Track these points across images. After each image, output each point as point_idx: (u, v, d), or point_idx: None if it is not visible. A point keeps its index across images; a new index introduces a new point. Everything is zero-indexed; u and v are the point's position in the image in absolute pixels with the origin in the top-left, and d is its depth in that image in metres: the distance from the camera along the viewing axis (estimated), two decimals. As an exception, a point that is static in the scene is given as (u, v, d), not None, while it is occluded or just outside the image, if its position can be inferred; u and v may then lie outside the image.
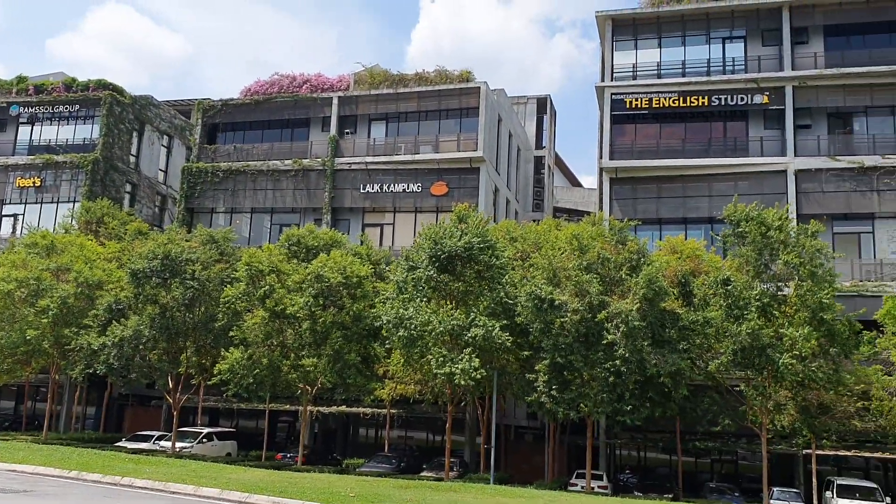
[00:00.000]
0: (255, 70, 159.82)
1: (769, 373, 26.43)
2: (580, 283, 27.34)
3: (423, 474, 33.63)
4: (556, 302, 27.29)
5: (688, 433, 35.83)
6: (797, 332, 25.72)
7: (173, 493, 20.16)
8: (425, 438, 43.47)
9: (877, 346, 31.49)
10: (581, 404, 27.56)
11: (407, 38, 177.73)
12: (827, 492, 32.34)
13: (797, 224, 39.26)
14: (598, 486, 33.29)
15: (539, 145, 58.02)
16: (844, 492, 31.34)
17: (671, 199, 42.06)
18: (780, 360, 25.34)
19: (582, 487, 32.33)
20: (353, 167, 47.02)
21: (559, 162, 70.48)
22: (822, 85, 40.82)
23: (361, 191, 46.62)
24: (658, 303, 26.89)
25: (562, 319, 27.25)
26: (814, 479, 31.86)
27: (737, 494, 33.19)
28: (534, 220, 48.68)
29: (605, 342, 26.66)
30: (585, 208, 61.26)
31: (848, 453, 33.64)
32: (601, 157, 43.13)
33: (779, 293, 27.50)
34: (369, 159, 46.77)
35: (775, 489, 32.53)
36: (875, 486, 32.24)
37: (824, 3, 41.46)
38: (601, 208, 42.59)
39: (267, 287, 32.25)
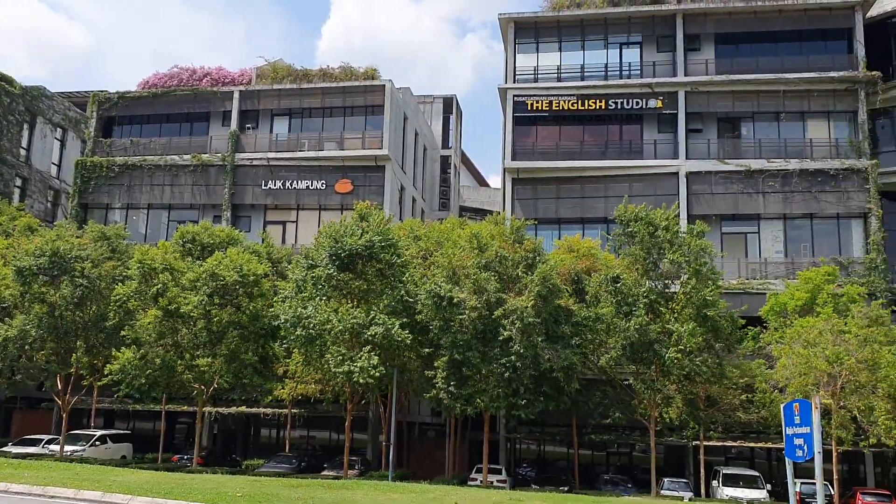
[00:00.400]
0: (159, 63, 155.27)
1: (657, 367, 27.45)
2: (478, 282, 27.77)
3: (323, 473, 33.45)
4: (455, 300, 27.66)
5: (584, 427, 36.80)
6: (682, 327, 26.80)
7: (52, 497, 19.51)
8: (328, 437, 43.21)
9: (760, 341, 33.09)
10: (478, 399, 27.99)
11: (317, 33, 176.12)
12: (714, 481, 33.84)
13: (687, 224, 41.07)
14: (497, 481, 33.85)
15: (445, 145, 58.46)
16: (729, 480, 32.91)
17: (570, 199, 43.08)
18: (667, 355, 26.37)
19: (481, 482, 32.79)
20: (255, 163, 46.30)
21: (467, 161, 71.21)
22: (712, 91, 42.57)
23: (263, 187, 45.96)
24: (552, 300, 27.57)
25: (460, 317, 27.63)
26: (702, 469, 33.24)
27: (629, 486, 34.30)
28: (440, 219, 49.03)
29: (501, 339, 27.16)
30: (491, 208, 62.01)
31: (733, 444, 35.26)
32: (504, 158, 43.85)
33: (666, 290, 28.57)
34: (272, 155, 46.16)
35: (665, 479, 33.82)
36: (757, 474, 33.89)
37: (715, 12, 43.22)
38: (504, 208, 43.34)
39: (160, 285, 31.47)
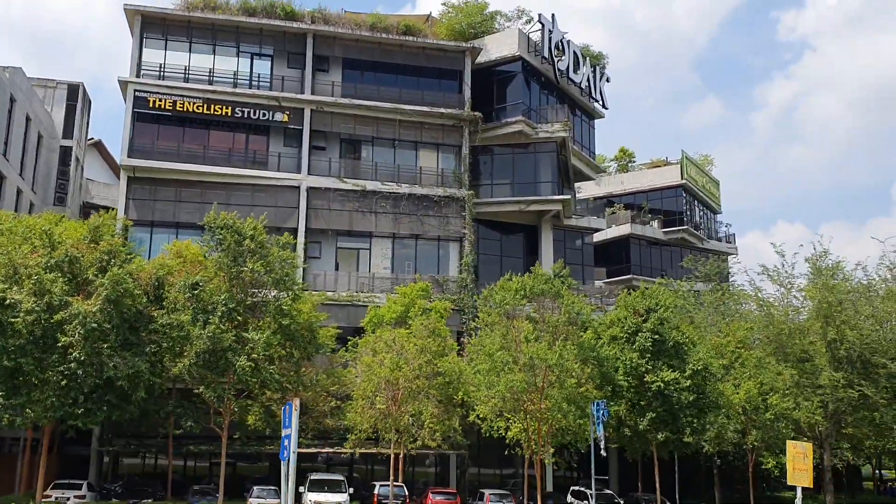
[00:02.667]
0: None
1: (230, 375, 27.68)
2: (41, 283, 25.82)
3: None
4: (8, 301, 25.41)
5: (185, 438, 35.97)
6: (255, 335, 27.37)
7: None
8: None
9: (356, 350, 34.96)
10: (28, 409, 25.96)
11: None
12: (301, 487, 34.94)
13: (305, 238, 42.33)
14: (75, 496, 31.81)
15: (69, 135, 54.01)
16: (314, 485, 34.17)
17: (190, 203, 42.08)
18: (238, 364, 26.70)
19: (56, 499, 30.58)
20: None
21: (107, 155, 66.46)
22: (336, 112, 44.43)
23: None
24: (126, 304, 26.55)
25: (14, 319, 25.44)
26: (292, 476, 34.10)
27: (217, 495, 34.25)
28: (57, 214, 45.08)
29: (60, 344, 25.51)
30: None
31: (322, 450, 36.71)
32: (121, 155, 41.71)
33: (249, 299, 29.00)
34: None
35: (255, 487, 34.22)
36: (342, 478, 35.60)
37: (344, 37, 45.29)
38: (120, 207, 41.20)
39: None
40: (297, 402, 14.34)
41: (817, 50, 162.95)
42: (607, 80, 53.81)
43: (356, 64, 45.83)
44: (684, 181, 64.56)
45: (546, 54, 47.46)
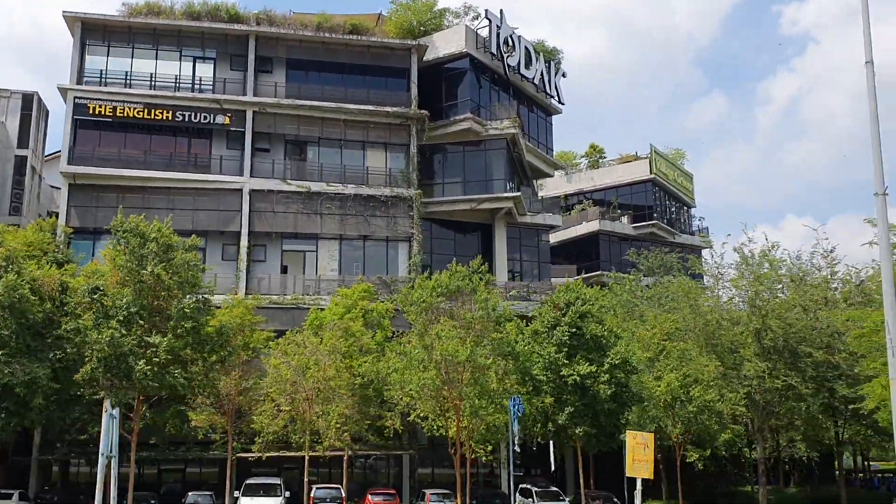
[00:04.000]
0: None
1: (133, 380, 27.32)
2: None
3: None
4: None
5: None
6: (157, 339, 27.02)
7: None
8: None
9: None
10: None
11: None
12: (237, 491, 34.62)
13: (249, 241, 42.01)
14: (3, 506, 31.59)
15: (24, 144, 53.96)
16: (249, 490, 33.86)
17: (132, 209, 41.12)
18: (137, 367, 26.36)
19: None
20: None
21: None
22: (280, 113, 44.11)
23: None
24: (25, 310, 26.27)
25: None
26: (227, 481, 33.89)
27: (152, 501, 33.96)
28: (13, 225, 44.98)
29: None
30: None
31: (257, 454, 36.22)
32: (61, 162, 41.56)
33: (155, 302, 28.60)
34: None
35: (190, 493, 33.92)
36: (278, 482, 35.22)
37: (287, 38, 44.97)
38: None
39: None
40: (107, 403, 13.93)
41: (820, 43, 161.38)
42: (563, 76, 53.26)
43: (300, 64, 45.51)
44: (653, 175, 63.91)
45: (494, 50, 46.99)
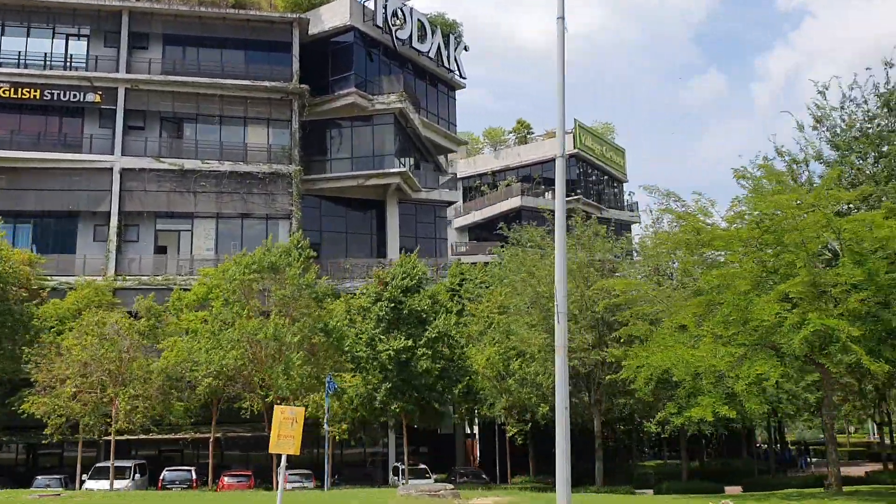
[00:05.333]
0: None
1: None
2: None
3: None
4: None
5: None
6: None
7: None
8: None
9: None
10: None
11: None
12: (84, 475, 34.16)
13: (119, 221, 41.27)
14: None
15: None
16: (96, 473, 33.39)
17: (1, 190, 41.25)
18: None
19: None
20: None
21: None
22: (154, 90, 43.23)
23: None
24: None
25: None
26: (79, 464, 33.42)
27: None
28: None
29: None
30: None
31: (112, 438, 35.76)
32: (-73, 143, 40.94)
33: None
34: None
35: (39, 476, 33.56)
36: (130, 465, 34.67)
37: (162, 13, 44.02)
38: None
39: None
40: None
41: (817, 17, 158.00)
42: (465, 49, 52.06)
43: (178, 40, 44.57)
44: (577, 150, 62.69)
45: (381, 23, 45.88)
